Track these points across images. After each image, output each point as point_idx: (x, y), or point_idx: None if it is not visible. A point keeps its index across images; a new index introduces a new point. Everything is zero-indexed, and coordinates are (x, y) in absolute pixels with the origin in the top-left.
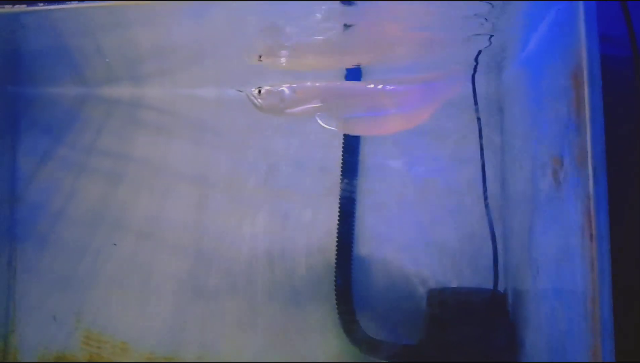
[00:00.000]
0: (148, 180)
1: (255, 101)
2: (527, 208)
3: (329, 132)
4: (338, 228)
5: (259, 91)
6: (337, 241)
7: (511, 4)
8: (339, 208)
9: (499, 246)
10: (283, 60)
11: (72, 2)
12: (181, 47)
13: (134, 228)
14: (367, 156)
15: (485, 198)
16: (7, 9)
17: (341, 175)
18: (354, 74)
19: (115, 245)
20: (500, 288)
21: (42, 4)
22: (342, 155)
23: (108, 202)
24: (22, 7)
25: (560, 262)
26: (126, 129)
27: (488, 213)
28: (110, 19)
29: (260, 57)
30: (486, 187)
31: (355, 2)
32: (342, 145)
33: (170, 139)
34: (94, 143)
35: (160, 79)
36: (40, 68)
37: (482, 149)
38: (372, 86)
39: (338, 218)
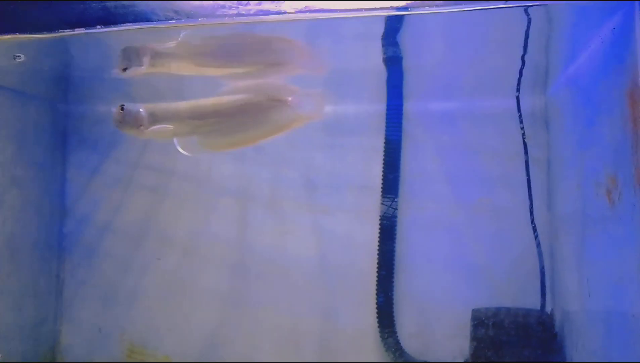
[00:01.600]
0: (191, 195)
1: (115, 118)
2: (576, 227)
3: (370, 148)
4: (379, 246)
5: (121, 108)
6: (378, 260)
7: (558, 20)
8: (380, 225)
9: (545, 266)
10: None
11: (127, 24)
12: None
13: (177, 243)
14: (408, 172)
15: (532, 217)
16: (67, 32)
17: (382, 192)
18: (394, 94)
19: (159, 259)
20: (547, 308)
21: (99, 26)
22: (383, 172)
23: (153, 217)
24: (82, 31)
25: (616, 284)
26: (171, 145)
27: (535, 232)
28: (155, 37)
29: (125, 69)
30: (532, 206)
31: None
32: (383, 161)
33: (213, 155)
34: (140, 158)
35: (204, 95)
36: (89, 87)
37: (527, 166)
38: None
39: (379, 236)
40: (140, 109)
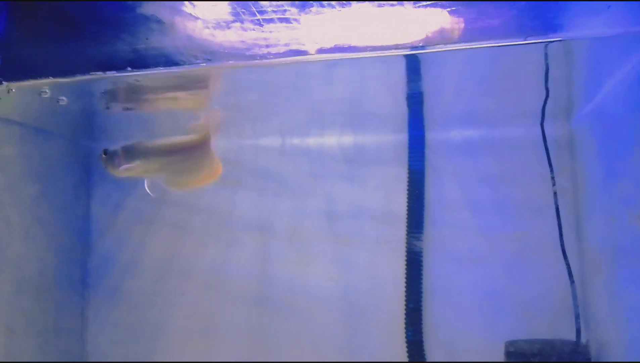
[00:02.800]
0: (214, 230)
1: (102, 162)
2: (609, 257)
3: (391, 178)
4: (406, 279)
5: (104, 152)
6: (405, 293)
7: (580, 50)
8: (407, 257)
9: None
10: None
11: (158, 68)
12: (247, 99)
13: (200, 278)
14: (432, 202)
15: (562, 247)
16: (98, 75)
17: (407, 224)
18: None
19: (183, 294)
20: (582, 339)
21: (129, 68)
22: (408, 203)
23: (176, 252)
24: (113, 74)
25: None
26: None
27: (566, 262)
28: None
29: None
30: (562, 235)
31: None
32: (406, 192)
33: (235, 189)
34: (163, 194)
35: (225, 130)
36: (111, 124)
37: (556, 197)
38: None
39: (405, 268)
40: (117, 149)
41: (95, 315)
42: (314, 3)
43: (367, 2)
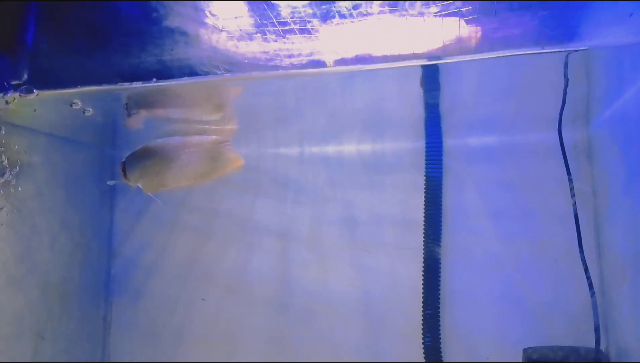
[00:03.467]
0: (235, 235)
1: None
2: (629, 264)
3: (409, 185)
4: (424, 285)
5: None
6: (423, 298)
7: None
8: (424, 263)
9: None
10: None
11: (184, 78)
12: (267, 108)
13: (221, 283)
14: (450, 209)
15: (581, 253)
16: (125, 86)
17: (424, 230)
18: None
19: (204, 300)
20: (602, 346)
21: (154, 79)
22: (425, 209)
23: (197, 257)
24: (139, 85)
25: None
26: (215, 186)
27: (585, 268)
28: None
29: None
30: (581, 241)
31: None
32: (424, 199)
33: (256, 196)
34: (185, 200)
35: (246, 138)
36: (134, 131)
37: (575, 203)
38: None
39: (423, 273)
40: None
41: (118, 320)
42: (335, 14)
43: (388, 14)
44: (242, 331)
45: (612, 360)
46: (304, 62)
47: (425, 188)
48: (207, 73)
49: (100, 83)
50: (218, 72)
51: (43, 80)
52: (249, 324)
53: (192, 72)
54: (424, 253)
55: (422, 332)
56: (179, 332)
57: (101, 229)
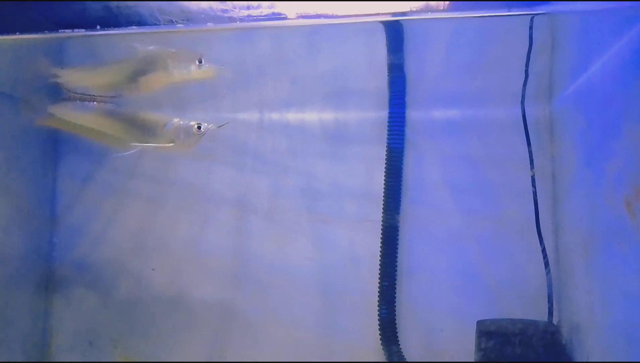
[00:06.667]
0: (189, 204)
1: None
2: (587, 239)
3: (372, 156)
4: (381, 257)
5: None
6: (379, 271)
7: (563, 30)
8: (382, 235)
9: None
10: None
11: (131, 27)
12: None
13: (173, 254)
14: (411, 181)
15: (538, 228)
16: (67, 33)
17: (383, 200)
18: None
19: (153, 270)
20: (554, 320)
21: (98, 27)
22: (385, 181)
23: (148, 227)
24: (81, 32)
25: (637, 298)
26: (168, 153)
27: (541, 244)
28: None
29: None
30: (538, 217)
31: None
32: (384, 168)
33: (212, 164)
34: (136, 167)
35: (202, 103)
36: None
37: (534, 179)
38: None
39: (381, 245)
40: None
41: (61, 290)
42: None
43: None
44: (194, 303)
45: (564, 335)
46: (262, 14)
47: (386, 159)
48: (156, 24)
49: (40, 31)
50: (168, 24)
51: None
52: (201, 296)
53: (141, 22)
54: (382, 225)
55: (378, 304)
56: (127, 302)
57: (43, 194)
